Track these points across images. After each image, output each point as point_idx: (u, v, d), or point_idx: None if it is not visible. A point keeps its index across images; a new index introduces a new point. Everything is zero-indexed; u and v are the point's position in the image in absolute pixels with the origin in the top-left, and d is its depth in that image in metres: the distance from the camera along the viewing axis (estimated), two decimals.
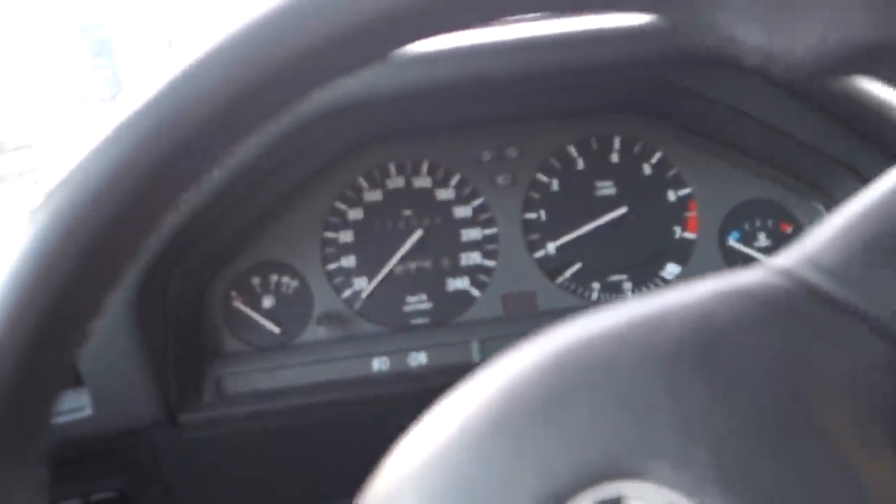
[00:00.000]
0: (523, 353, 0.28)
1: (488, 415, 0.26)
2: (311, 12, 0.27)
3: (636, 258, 0.77)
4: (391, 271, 0.77)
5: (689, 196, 0.78)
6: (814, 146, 0.65)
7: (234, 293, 0.75)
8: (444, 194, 0.77)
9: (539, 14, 0.30)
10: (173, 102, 0.27)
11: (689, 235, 0.78)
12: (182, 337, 0.69)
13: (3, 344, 0.26)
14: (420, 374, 0.71)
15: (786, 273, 0.29)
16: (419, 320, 0.76)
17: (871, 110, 0.58)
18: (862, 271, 0.28)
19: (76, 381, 0.64)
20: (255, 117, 0.29)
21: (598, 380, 0.26)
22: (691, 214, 0.78)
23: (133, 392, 0.64)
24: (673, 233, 0.78)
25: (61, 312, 0.27)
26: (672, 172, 0.78)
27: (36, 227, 0.27)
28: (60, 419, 0.63)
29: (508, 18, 0.30)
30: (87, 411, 0.63)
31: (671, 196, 0.78)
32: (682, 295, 0.28)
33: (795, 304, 0.27)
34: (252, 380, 0.71)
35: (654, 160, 0.78)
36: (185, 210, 0.62)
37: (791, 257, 0.29)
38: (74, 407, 0.63)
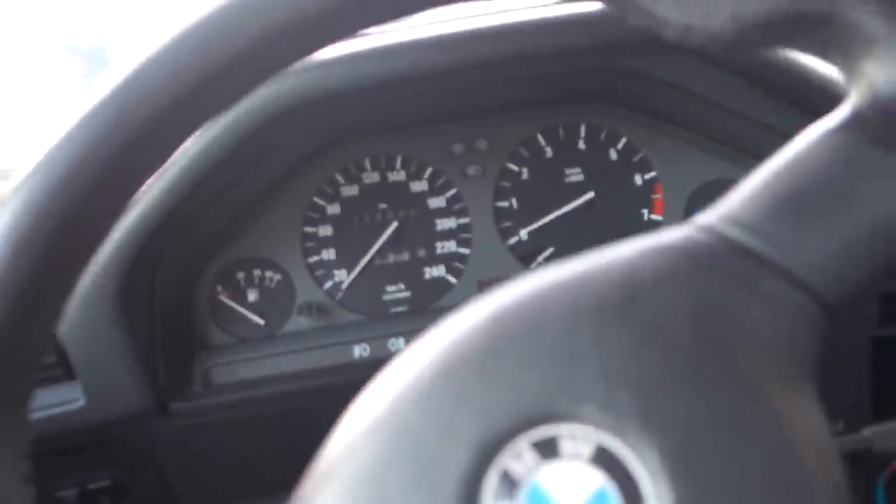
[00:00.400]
0: (464, 313, 0.31)
1: (431, 368, 0.29)
2: (250, 9, 0.31)
3: (606, 241, 0.80)
4: (370, 262, 0.79)
5: (654, 179, 0.81)
6: (767, 125, 0.68)
7: (219, 288, 0.78)
8: (418, 186, 0.81)
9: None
10: (131, 91, 0.30)
11: (656, 217, 0.80)
12: (170, 329, 0.72)
13: None
14: None
15: (707, 229, 0.31)
16: (398, 308, 0.79)
17: (807, 83, 0.61)
18: (775, 226, 0.31)
19: (69, 375, 0.67)
20: (204, 109, 0.32)
21: (530, 332, 0.29)
22: (657, 197, 0.81)
23: (124, 382, 0.67)
24: (641, 215, 0.81)
25: (35, 290, 0.29)
26: (637, 157, 0.81)
27: (11, 208, 0.29)
28: (55, 410, 0.65)
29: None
30: (81, 402, 0.66)
31: (637, 180, 0.81)
32: (609, 254, 0.31)
33: (714, 256, 0.30)
34: (239, 369, 0.74)
35: (619, 146, 0.81)
36: (165, 205, 0.65)
37: (712, 215, 0.32)
38: (68, 399, 0.66)
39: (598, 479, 0.26)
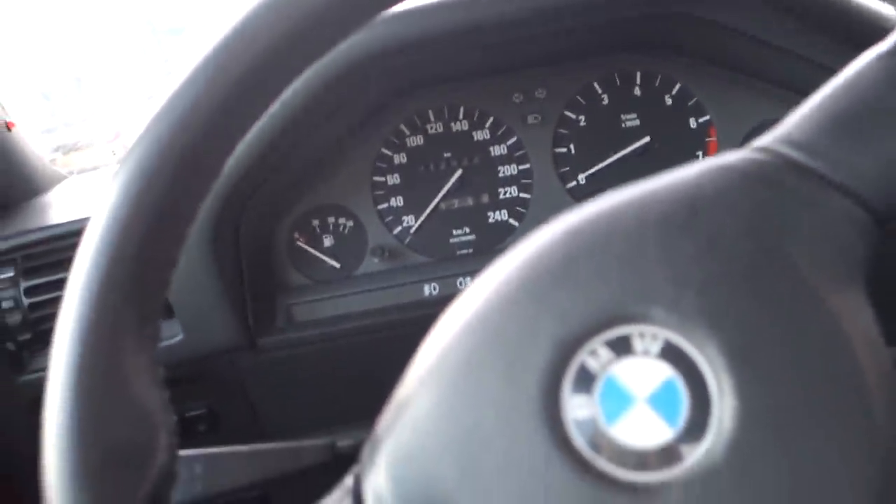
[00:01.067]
0: (542, 231, 0.35)
1: (515, 278, 0.33)
2: None
3: None
4: (436, 208, 0.84)
5: (708, 122, 0.83)
6: (819, 63, 0.70)
7: (296, 234, 0.84)
8: (480, 135, 0.84)
9: None
10: (231, 51, 0.34)
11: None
12: (254, 272, 0.78)
13: (124, 237, 0.33)
14: None
15: (763, 150, 0.35)
16: (464, 251, 0.84)
17: (858, 19, 0.63)
18: (828, 143, 0.34)
19: (168, 313, 0.73)
20: (295, 64, 0.36)
21: (603, 243, 0.32)
22: (711, 140, 0.83)
23: (217, 320, 0.73)
24: (696, 157, 0.84)
25: (164, 217, 0.34)
26: (692, 101, 0.83)
27: (138, 148, 0.34)
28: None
29: None
30: (179, 337, 0.73)
31: (692, 123, 0.83)
32: (672, 175, 0.35)
33: (770, 172, 0.33)
34: (318, 308, 0.80)
35: (673, 91, 0.83)
36: (249, 158, 0.70)
37: (768, 137, 0.35)
38: (168, 335, 0.73)
39: (667, 372, 0.30)
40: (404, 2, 0.38)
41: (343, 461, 0.49)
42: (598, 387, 0.30)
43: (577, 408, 0.30)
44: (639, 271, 0.31)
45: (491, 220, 0.84)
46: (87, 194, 0.92)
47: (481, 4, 0.70)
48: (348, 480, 0.35)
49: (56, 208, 0.88)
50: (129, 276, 0.33)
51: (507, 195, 0.84)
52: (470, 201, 0.84)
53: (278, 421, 0.80)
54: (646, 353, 0.30)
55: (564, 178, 0.84)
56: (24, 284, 0.76)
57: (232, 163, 0.71)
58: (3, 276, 0.77)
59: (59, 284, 0.77)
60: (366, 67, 0.70)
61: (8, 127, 0.90)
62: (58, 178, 1.00)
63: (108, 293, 0.32)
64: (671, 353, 0.30)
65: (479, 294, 0.34)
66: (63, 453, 0.31)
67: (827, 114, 0.34)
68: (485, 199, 0.84)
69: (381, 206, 0.84)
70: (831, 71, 0.36)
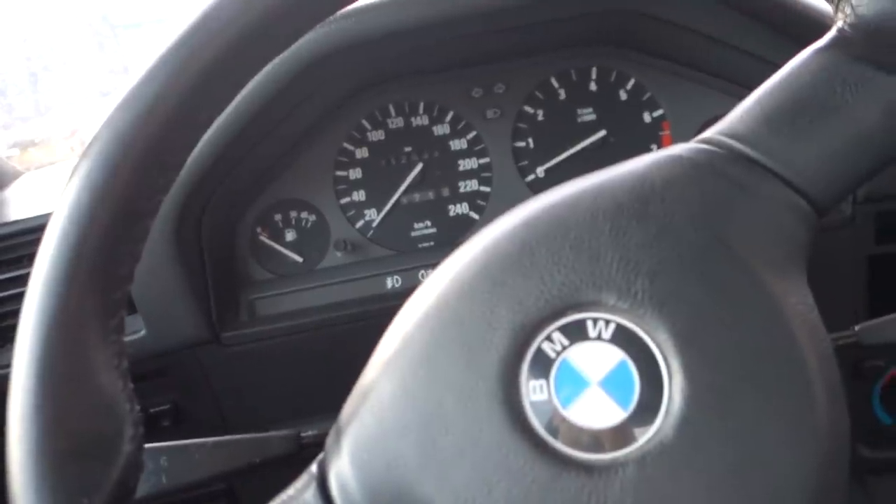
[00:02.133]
0: (499, 221, 0.36)
1: (472, 267, 0.34)
2: None
3: None
4: (397, 202, 0.85)
5: (662, 117, 0.85)
6: (767, 59, 0.73)
7: (259, 228, 0.84)
8: (441, 130, 0.86)
9: None
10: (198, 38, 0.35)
11: None
12: (217, 267, 0.78)
13: (86, 230, 0.34)
14: None
15: (709, 141, 0.36)
16: (426, 244, 0.85)
17: (800, 14, 0.65)
18: (769, 136, 0.36)
19: (130, 309, 0.73)
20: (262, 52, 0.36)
21: (557, 233, 0.34)
22: (665, 133, 0.86)
23: (179, 314, 0.73)
24: (650, 150, 0.85)
25: (127, 210, 0.35)
26: (645, 96, 0.85)
27: (99, 141, 0.34)
28: None
29: None
30: (142, 332, 0.73)
31: (646, 118, 0.86)
32: (624, 165, 0.36)
33: (716, 164, 0.35)
34: (281, 302, 0.81)
35: (628, 86, 0.85)
36: (211, 152, 0.71)
37: (714, 130, 0.37)
38: (131, 330, 0.73)
39: (619, 356, 0.32)
40: None
41: (308, 452, 0.50)
42: (554, 371, 0.32)
43: (533, 391, 0.32)
44: (592, 259, 0.33)
45: (452, 214, 0.86)
46: (44, 190, 0.91)
47: (440, 1, 0.71)
48: (313, 467, 0.35)
49: (14, 204, 0.87)
50: (92, 268, 0.33)
51: (468, 189, 0.86)
52: (431, 195, 0.86)
53: (243, 415, 0.80)
54: (599, 337, 0.32)
55: (523, 172, 0.86)
56: None
57: (194, 157, 0.71)
58: None
59: (19, 280, 0.76)
60: (326, 62, 0.71)
61: None
62: (15, 175, 0.99)
63: (71, 285, 0.33)
64: (623, 338, 0.32)
65: (439, 282, 0.35)
66: (27, 443, 0.31)
67: (767, 108, 0.36)
68: (445, 192, 0.86)
69: (343, 201, 0.85)
70: (775, 65, 0.38)
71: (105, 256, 0.34)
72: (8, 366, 0.75)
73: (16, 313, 0.75)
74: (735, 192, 0.34)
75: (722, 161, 0.35)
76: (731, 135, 0.36)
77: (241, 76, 0.37)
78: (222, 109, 0.37)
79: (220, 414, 0.80)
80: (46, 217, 0.78)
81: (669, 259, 0.32)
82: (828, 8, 0.39)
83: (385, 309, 0.80)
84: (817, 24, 0.64)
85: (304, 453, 0.52)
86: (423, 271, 0.82)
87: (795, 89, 0.36)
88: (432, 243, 0.85)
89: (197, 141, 0.37)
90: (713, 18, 0.72)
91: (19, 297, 0.76)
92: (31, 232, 0.77)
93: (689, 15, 0.73)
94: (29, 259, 0.77)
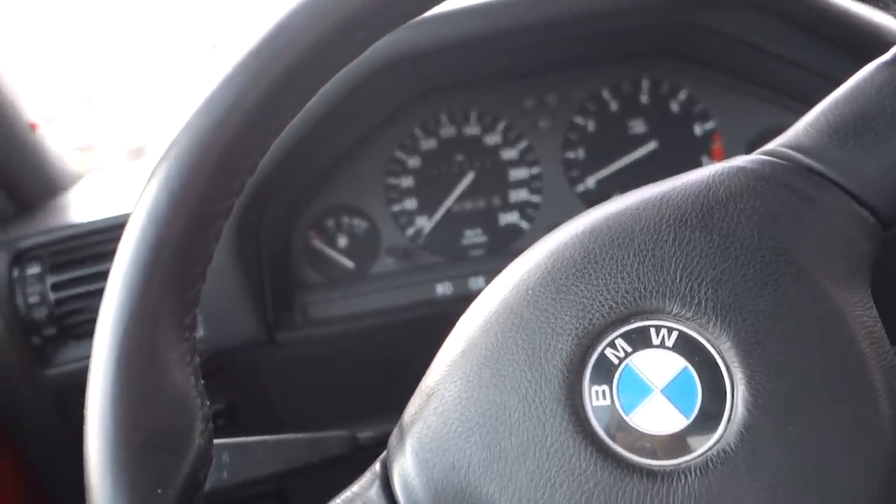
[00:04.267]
0: (563, 229, 0.37)
1: (537, 273, 0.35)
2: None
3: None
4: (449, 210, 0.86)
5: (713, 129, 0.85)
6: (822, 72, 0.73)
7: (312, 233, 0.86)
8: (492, 139, 0.87)
9: None
10: (270, 51, 0.36)
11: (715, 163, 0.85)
12: (273, 270, 0.80)
13: (164, 231, 0.35)
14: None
15: (773, 153, 0.37)
16: (476, 252, 0.86)
17: (861, 30, 0.65)
18: (833, 148, 0.36)
19: None
20: (329, 65, 0.38)
21: (622, 241, 0.34)
22: (716, 145, 0.86)
23: (237, 315, 0.75)
24: (701, 162, 0.86)
25: (203, 213, 0.36)
26: (697, 108, 0.85)
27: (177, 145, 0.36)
28: None
29: None
30: (201, 332, 0.75)
31: (697, 130, 0.86)
32: (687, 176, 0.37)
33: (779, 175, 0.35)
34: (334, 306, 0.83)
35: (680, 98, 0.86)
36: (273, 157, 0.73)
37: (777, 142, 0.37)
38: None
39: (682, 363, 0.32)
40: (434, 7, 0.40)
41: (363, 453, 0.51)
42: (617, 377, 0.33)
43: (596, 396, 0.32)
44: (656, 267, 0.33)
45: (502, 222, 0.87)
46: (106, 192, 0.94)
47: (498, 12, 0.72)
48: (376, 466, 0.36)
49: (78, 206, 0.90)
50: (169, 267, 0.35)
51: (518, 198, 0.87)
52: (481, 204, 0.87)
53: (295, 416, 0.82)
54: (662, 345, 0.33)
55: (574, 182, 0.86)
56: (50, 280, 0.79)
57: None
58: (30, 272, 0.79)
59: (85, 280, 0.79)
60: (383, 72, 0.73)
61: (32, 128, 0.92)
62: (77, 177, 1.02)
63: (148, 284, 0.34)
64: (686, 346, 0.32)
65: (503, 287, 0.36)
66: (105, 436, 0.33)
67: (832, 121, 0.36)
68: (496, 201, 0.87)
69: (394, 208, 0.87)
70: (833, 79, 0.39)
71: (181, 256, 0.35)
72: (77, 360, 0.78)
73: (81, 311, 0.78)
74: (799, 203, 0.34)
75: (786, 173, 0.35)
76: (796, 147, 0.36)
77: (313, 84, 0.38)
78: (294, 115, 0.38)
79: (272, 414, 0.82)
80: (108, 220, 0.81)
81: (733, 269, 0.33)
82: (890, 24, 0.39)
83: (436, 315, 0.82)
84: (879, 40, 0.64)
85: (358, 454, 0.53)
86: (473, 279, 0.83)
87: (860, 103, 0.36)
88: (483, 251, 0.86)
89: (269, 146, 0.38)
90: (771, 32, 0.72)
91: (84, 296, 0.79)
92: (97, 233, 0.80)
93: (747, 28, 0.73)
94: (93, 259, 0.79)
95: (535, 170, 0.87)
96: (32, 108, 0.95)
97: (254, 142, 0.37)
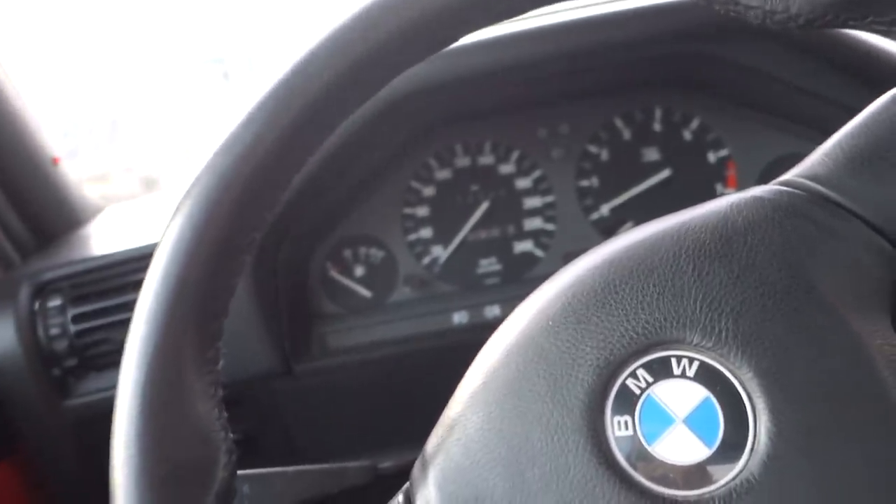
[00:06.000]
0: (583, 260, 0.37)
1: (557, 303, 0.35)
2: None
3: None
4: (464, 239, 0.87)
5: (727, 157, 0.86)
6: (836, 101, 0.73)
7: (329, 264, 0.87)
8: (506, 169, 0.88)
9: None
10: (303, 76, 0.37)
11: (730, 191, 0.86)
12: (291, 302, 0.81)
13: (189, 265, 0.36)
14: (496, 324, 0.80)
15: (790, 183, 0.37)
16: (491, 280, 0.87)
17: (875, 60, 0.66)
18: (848, 178, 0.36)
19: None
20: (361, 91, 0.39)
21: (642, 271, 0.35)
22: (730, 174, 0.86)
23: (255, 346, 0.76)
24: (714, 190, 0.86)
25: (226, 247, 0.37)
26: (710, 136, 0.86)
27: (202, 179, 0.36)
28: None
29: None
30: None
31: (711, 158, 0.86)
32: (703, 207, 0.37)
33: (796, 205, 0.35)
34: (351, 335, 0.83)
35: (692, 126, 0.86)
36: (291, 189, 0.74)
37: (794, 172, 0.38)
38: None
39: (703, 393, 0.32)
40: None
41: (383, 483, 0.51)
42: (639, 407, 0.33)
43: (618, 427, 0.32)
44: (676, 297, 0.34)
45: (517, 251, 0.87)
46: (125, 225, 0.96)
47: (514, 45, 0.73)
48: (399, 497, 0.37)
49: (98, 239, 0.91)
50: (192, 301, 0.35)
51: (532, 226, 0.87)
52: (496, 232, 0.87)
53: (312, 446, 0.82)
54: (683, 375, 0.33)
55: (588, 210, 0.87)
56: (71, 312, 0.80)
57: None
58: (51, 304, 0.80)
59: (105, 312, 0.80)
60: (399, 106, 0.74)
61: (54, 162, 0.94)
62: (96, 209, 1.04)
63: (172, 317, 0.35)
64: (707, 375, 0.32)
65: (523, 317, 0.36)
66: (130, 467, 0.33)
67: (848, 150, 0.37)
68: (511, 230, 0.87)
69: (410, 237, 0.87)
70: (847, 108, 0.39)
71: (204, 290, 0.36)
72: (97, 391, 0.79)
73: (102, 342, 0.79)
74: (817, 233, 0.34)
75: (803, 203, 0.35)
76: (812, 177, 0.36)
77: (333, 120, 0.39)
78: (315, 151, 0.39)
79: (289, 444, 0.83)
80: (128, 252, 0.82)
81: (753, 299, 0.33)
82: None
83: (453, 343, 0.82)
84: (893, 70, 0.64)
85: (377, 485, 0.53)
86: (489, 307, 0.84)
87: (877, 132, 0.36)
88: (498, 280, 0.87)
89: (291, 181, 0.39)
90: (784, 62, 0.73)
91: (105, 328, 0.80)
92: (118, 265, 0.81)
93: (760, 58, 0.74)
94: (114, 291, 0.80)
95: (549, 198, 0.87)
96: (55, 142, 0.97)
97: (276, 177, 0.37)
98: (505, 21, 0.40)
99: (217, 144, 0.37)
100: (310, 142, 0.38)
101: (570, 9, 0.76)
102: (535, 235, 0.87)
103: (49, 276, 0.82)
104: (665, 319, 0.33)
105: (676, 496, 0.31)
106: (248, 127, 0.36)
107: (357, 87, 0.38)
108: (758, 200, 0.36)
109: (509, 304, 0.86)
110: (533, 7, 0.39)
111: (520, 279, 0.86)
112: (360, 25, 0.37)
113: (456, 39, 0.40)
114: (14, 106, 0.89)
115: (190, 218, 0.36)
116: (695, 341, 0.33)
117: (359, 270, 0.87)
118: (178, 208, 0.36)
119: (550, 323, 0.35)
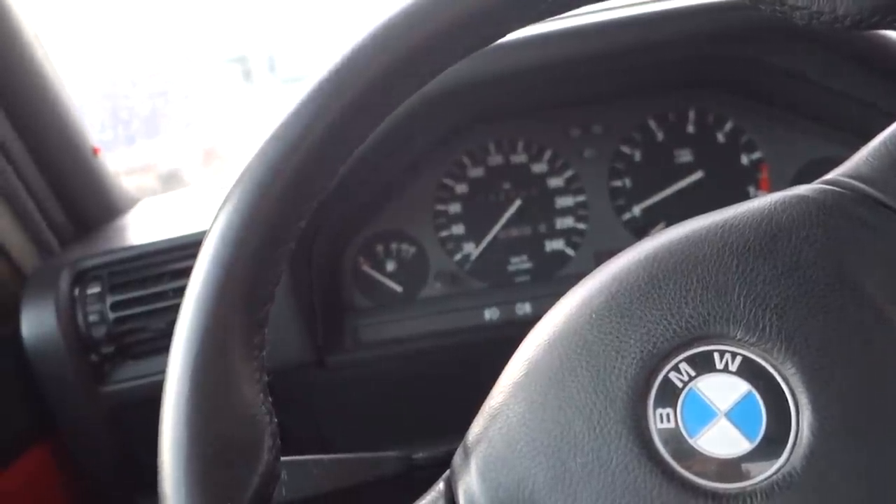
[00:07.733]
0: (625, 255, 0.38)
1: (601, 296, 0.36)
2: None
3: None
4: (495, 237, 0.88)
5: (760, 159, 0.86)
6: (872, 104, 0.73)
7: (361, 259, 0.88)
8: (539, 168, 0.88)
9: None
10: (344, 76, 0.38)
11: (762, 194, 0.86)
12: (323, 294, 0.82)
13: (237, 253, 0.37)
14: (526, 321, 0.81)
15: (833, 183, 0.37)
16: (522, 278, 0.87)
17: None
18: (892, 177, 0.36)
19: None
20: (401, 89, 0.39)
21: (685, 267, 0.35)
22: (763, 176, 0.86)
23: (289, 337, 0.77)
24: (747, 193, 0.86)
25: (273, 235, 0.37)
26: (744, 138, 0.86)
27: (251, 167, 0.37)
28: None
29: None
30: None
31: (744, 160, 0.86)
32: (747, 204, 0.37)
33: (842, 203, 0.36)
34: (383, 329, 0.84)
35: (726, 128, 0.86)
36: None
37: (836, 173, 0.38)
38: None
39: (746, 387, 0.33)
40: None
41: (419, 473, 0.52)
42: (681, 400, 0.33)
43: (660, 419, 0.33)
44: (720, 293, 0.34)
45: (548, 249, 0.88)
46: (163, 216, 0.97)
47: (550, 45, 0.74)
48: (440, 485, 0.37)
49: (137, 228, 0.93)
50: (240, 288, 0.36)
51: (564, 225, 0.88)
52: (528, 230, 0.88)
53: (342, 437, 0.83)
54: (726, 369, 0.33)
55: (620, 211, 0.87)
56: (110, 300, 0.81)
57: None
58: (90, 291, 0.81)
59: (143, 300, 0.81)
60: (436, 102, 0.75)
61: (94, 152, 0.96)
62: (134, 200, 1.05)
63: (221, 303, 0.36)
64: (750, 370, 0.33)
65: (567, 309, 0.36)
66: (179, 448, 0.34)
67: (893, 150, 0.37)
68: (542, 228, 0.88)
69: (442, 234, 0.88)
70: (885, 112, 0.39)
71: (252, 277, 0.37)
72: (133, 378, 0.80)
73: (139, 330, 0.81)
74: (862, 232, 0.35)
75: (848, 202, 0.36)
76: (857, 176, 0.37)
77: (380, 112, 0.39)
78: (362, 143, 0.40)
79: (319, 435, 0.84)
80: (167, 242, 0.83)
81: (797, 296, 0.33)
82: None
83: (484, 339, 0.83)
84: None
85: (412, 475, 0.54)
86: (519, 304, 0.84)
87: None
88: (528, 277, 0.87)
89: (337, 172, 0.39)
90: (823, 66, 0.73)
91: (142, 316, 0.81)
92: (155, 255, 0.83)
93: (800, 62, 0.74)
94: (152, 280, 0.82)
95: (581, 198, 0.88)
96: (94, 133, 0.98)
97: (322, 168, 0.38)
98: (546, 20, 0.41)
99: (267, 133, 0.38)
100: (356, 133, 0.39)
101: (612, 8, 0.76)
102: (567, 234, 0.88)
103: (89, 263, 0.83)
104: (708, 314, 0.34)
105: (717, 489, 0.31)
106: (297, 117, 0.37)
107: (405, 80, 0.39)
108: (802, 199, 0.36)
109: (540, 302, 0.87)
110: (575, 6, 0.40)
111: (550, 277, 0.87)
112: (409, 21, 0.38)
113: (501, 36, 0.41)
114: (59, 96, 0.91)
115: (239, 205, 0.37)
116: (738, 336, 0.33)
117: (390, 265, 0.88)
118: (227, 196, 0.37)
119: (594, 315, 0.35)
